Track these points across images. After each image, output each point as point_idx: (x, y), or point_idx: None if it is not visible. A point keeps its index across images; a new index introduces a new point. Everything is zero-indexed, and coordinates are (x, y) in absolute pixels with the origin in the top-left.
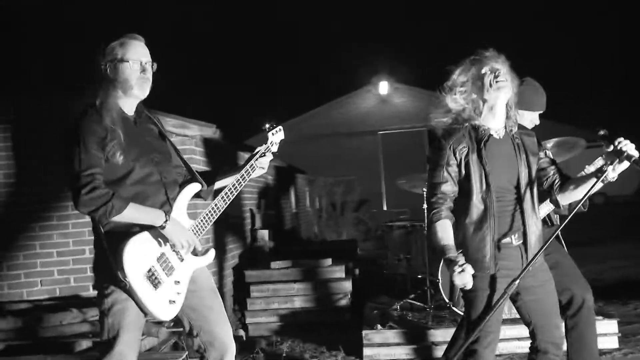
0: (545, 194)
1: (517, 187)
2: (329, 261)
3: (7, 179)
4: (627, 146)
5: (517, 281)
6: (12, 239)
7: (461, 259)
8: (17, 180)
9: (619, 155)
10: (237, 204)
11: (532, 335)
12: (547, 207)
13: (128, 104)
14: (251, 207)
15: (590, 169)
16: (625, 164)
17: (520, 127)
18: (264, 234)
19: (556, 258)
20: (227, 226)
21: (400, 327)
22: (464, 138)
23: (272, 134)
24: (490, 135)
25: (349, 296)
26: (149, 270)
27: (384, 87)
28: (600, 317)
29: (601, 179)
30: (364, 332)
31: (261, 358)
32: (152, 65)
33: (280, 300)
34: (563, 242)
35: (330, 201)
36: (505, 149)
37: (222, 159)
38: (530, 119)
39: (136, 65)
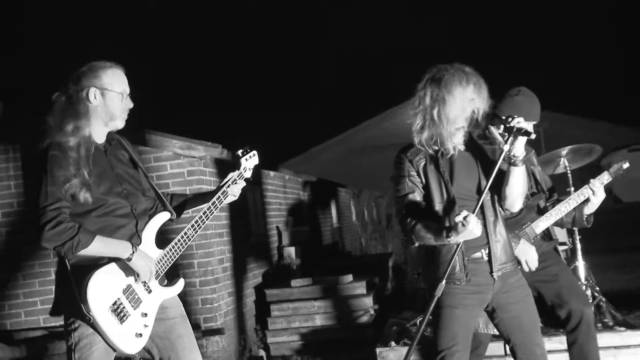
0: (542, 208)
1: (478, 196)
2: (349, 277)
3: (19, 207)
4: (517, 122)
5: (443, 282)
6: (28, 267)
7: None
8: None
9: (510, 131)
10: (261, 222)
11: (513, 353)
12: (546, 221)
13: (100, 133)
14: (277, 225)
15: (595, 183)
16: (522, 139)
17: (483, 136)
18: (291, 251)
19: (555, 271)
20: (248, 245)
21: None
22: (421, 150)
23: (246, 159)
24: (447, 148)
25: (372, 312)
26: (114, 303)
27: None
28: (623, 329)
29: (508, 159)
30: (377, 350)
31: None
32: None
33: (300, 319)
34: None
35: (375, 214)
36: (463, 158)
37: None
38: None
39: (122, 97)
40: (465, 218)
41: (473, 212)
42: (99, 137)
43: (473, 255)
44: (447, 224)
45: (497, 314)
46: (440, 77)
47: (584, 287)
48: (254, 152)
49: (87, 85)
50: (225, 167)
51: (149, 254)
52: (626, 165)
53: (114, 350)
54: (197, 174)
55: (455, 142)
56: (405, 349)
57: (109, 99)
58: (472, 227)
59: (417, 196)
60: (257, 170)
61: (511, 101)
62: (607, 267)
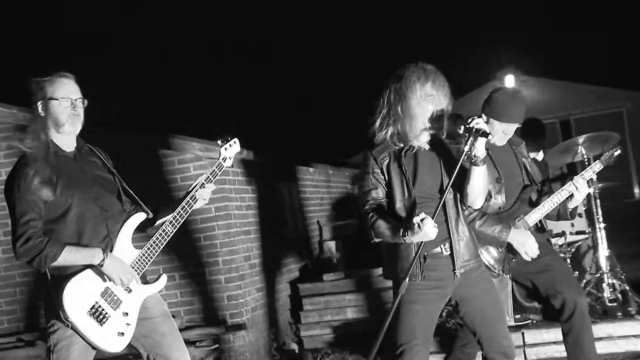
0: (535, 201)
1: (440, 195)
2: (380, 270)
3: None
4: (476, 123)
5: (407, 280)
6: None
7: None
8: None
9: (469, 131)
10: (299, 218)
11: (480, 345)
12: (538, 213)
13: (65, 140)
14: (318, 220)
15: (577, 179)
16: (481, 140)
17: (450, 136)
18: (331, 245)
19: (547, 261)
20: (282, 241)
21: (436, 336)
22: (387, 149)
23: (225, 148)
24: (411, 145)
25: None
26: (92, 307)
27: (510, 80)
28: None
29: (469, 159)
30: None
31: None
32: (83, 101)
33: (332, 312)
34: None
35: None
36: (427, 156)
37: (260, 178)
38: (502, 129)
39: (66, 103)
40: (422, 220)
41: (435, 212)
42: (66, 146)
43: (432, 251)
44: (406, 223)
45: (460, 307)
46: (402, 74)
47: (607, 276)
48: (235, 140)
49: (35, 100)
50: (249, 166)
51: (122, 258)
52: (617, 152)
53: (96, 350)
54: (222, 174)
55: (421, 140)
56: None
57: (52, 107)
58: (427, 230)
59: (380, 193)
60: (292, 166)
61: (489, 102)
62: (633, 256)
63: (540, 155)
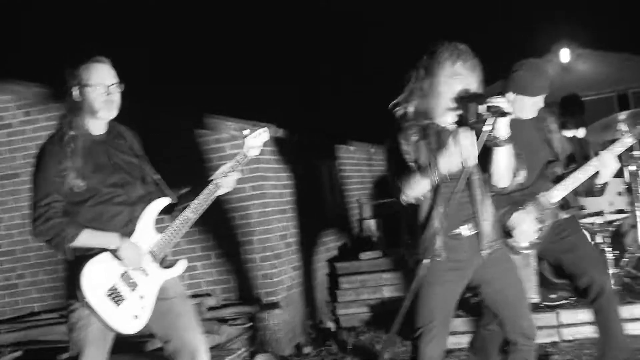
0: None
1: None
2: None
3: None
4: (494, 102)
5: (426, 261)
6: None
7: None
8: None
9: (489, 110)
10: (338, 196)
11: (501, 327)
12: (561, 190)
13: (97, 125)
14: (359, 198)
15: (603, 154)
16: (502, 120)
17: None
18: (371, 224)
19: (573, 241)
20: (321, 220)
21: (469, 315)
22: (414, 126)
23: (253, 137)
24: (437, 124)
25: None
26: (110, 289)
27: (565, 54)
28: None
29: (491, 140)
30: None
31: (334, 349)
32: (118, 86)
33: (369, 291)
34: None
35: None
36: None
37: (298, 157)
38: (531, 102)
39: (101, 89)
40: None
41: (456, 190)
42: (96, 129)
43: (453, 232)
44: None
45: (481, 289)
46: (434, 50)
47: None
48: (264, 129)
49: (70, 85)
50: (284, 144)
51: (143, 242)
52: None
53: (111, 330)
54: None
55: (446, 121)
56: (457, 320)
57: (87, 93)
58: (465, 142)
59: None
60: (332, 145)
61: (512, 77)
62: None
63: (581, 132)
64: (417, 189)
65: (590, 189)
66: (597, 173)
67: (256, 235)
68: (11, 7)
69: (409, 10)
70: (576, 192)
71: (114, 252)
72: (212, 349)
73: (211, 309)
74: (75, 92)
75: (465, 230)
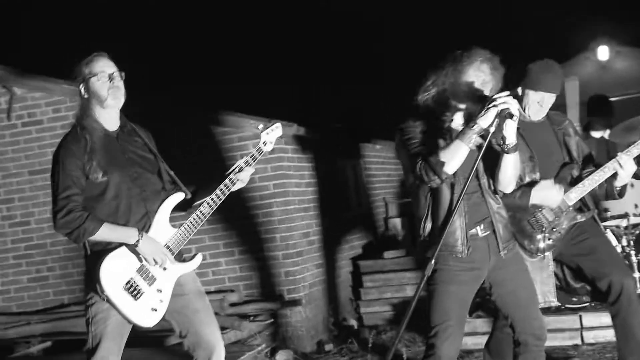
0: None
1: (477, 176)
2: None
3: None
4: (501, 101)
5: (433, 261)
6: None
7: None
8: None
9: (500, 114)
10: (363, 195)
11: (512, 328)
12: (578, 192)
13: (109, 119)
14: (384, 196)
15: (622, 156)
16: (510, 123)
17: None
18: (396, 222)
19: (593, 243)
20: (345, 218)
21: (489, 316)
22: (423, 123)
23: (267, 133)
24: (447, 123)
25: None
26: (128, 282)
27: (603, 52)
28: None
29: (498, 144)
30: None
31: (355, 347)
32: (121, 74)
33: (392, 290)
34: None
35: None
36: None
37: (322, 155)
38: (537, 100)
39: (104, 77)
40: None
41: (460, 194)
42: (110, 124)
43: (469, 232)
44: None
45: (493, 290)
46: (467, 49)
47: None
48: (277, 124)
49: (78, 83)
50: (308, 143)
51: (159, 236)
52: None
53: (130, 323)
54: (277, 152)
55: (456, 122)
56: (478, 321)
57: (92, 84)
58: (508, 99)
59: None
60: (357, 144)
61: (524, 71)
62: None
63: (608, 134)
64: (457, 156)
65: (611, 191)
66: (616, 175)
67: (279, 233)
68: (43, 5)
69: (435, 7)
70: (594, 195)
71: (132, 246)
72: (233, 344)
73: (233, 304)
74: (82, 88)
75: (480, 230)
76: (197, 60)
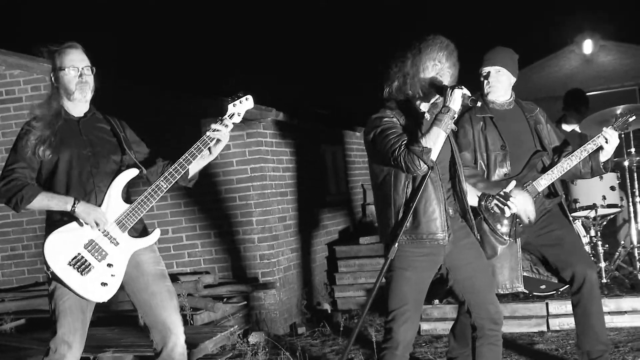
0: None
1: (455, 161)
2: None
3: None
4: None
5: (396, 245)
6: None
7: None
8: None
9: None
10: (342, 181)
11: (469, 313)
12: (547, 178)
13: (76, 107)
14: (362, 183)
15: (608, 130)
16: (457, 93)
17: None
18: (374, 209)
19: (559, 235)
20: (322, 204)
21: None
22: (393, 112)
23: (234, 105)
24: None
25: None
26: (75, 258)
27: (588, 45)
28: None
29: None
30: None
31: (327, 331)
32: (91, 69)
33: (366, 275)
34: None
35: None
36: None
37: (301, 141)
38: (483, 75)
39: (73, 72)
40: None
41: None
42: (75, 112)
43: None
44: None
45: (450, 275)
46: (425, 38)
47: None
48: (247, 96)
49: (50, 71)
50: (287, 128)
51: (109, 213)
52: (632, 118)
53: (82, 299)
54: (256, 137)
55: (422, 109)
56: (448, 307)
57: (61, 77)
58: (458, 94)
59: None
60: (338, 130)
61: None
62: None
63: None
64: (438, 143)
65: (597, 166)
66: (599, 149)
67: (255, 217)
68: None
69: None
70: (580, 175)
71: (79, 221)
72: (206, 325)
73: (208, 286)
74: (52, 77)
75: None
76: (179, 47)
